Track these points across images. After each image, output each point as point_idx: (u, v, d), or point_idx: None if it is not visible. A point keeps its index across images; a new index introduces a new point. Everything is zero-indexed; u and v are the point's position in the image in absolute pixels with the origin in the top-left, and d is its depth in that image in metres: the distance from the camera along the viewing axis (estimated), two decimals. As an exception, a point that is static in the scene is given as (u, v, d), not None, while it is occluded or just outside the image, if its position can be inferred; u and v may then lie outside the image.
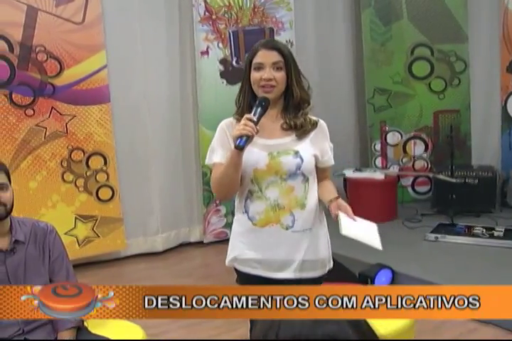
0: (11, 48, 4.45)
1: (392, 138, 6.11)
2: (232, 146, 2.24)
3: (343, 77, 6.16)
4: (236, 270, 2.47)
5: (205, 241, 5.42)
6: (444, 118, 6.04)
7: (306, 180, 2.37)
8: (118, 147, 4.98)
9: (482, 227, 4.97)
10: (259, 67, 2.34)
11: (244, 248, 2.41)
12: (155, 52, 5.12)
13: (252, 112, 2.28)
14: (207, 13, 5.20)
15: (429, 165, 6.08)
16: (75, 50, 4.67)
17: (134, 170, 5.15)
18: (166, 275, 4.91)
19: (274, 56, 2.34)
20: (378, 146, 6.13)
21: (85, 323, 2.67)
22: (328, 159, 2.46)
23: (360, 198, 5.60)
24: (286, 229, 2.36)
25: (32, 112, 4.58)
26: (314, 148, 2.39)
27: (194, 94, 5.31)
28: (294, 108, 2.39)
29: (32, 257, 2.58)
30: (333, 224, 2.32)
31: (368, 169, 5.82)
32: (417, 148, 6.11)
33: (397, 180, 5.83)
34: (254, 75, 2.34)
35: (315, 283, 2.40)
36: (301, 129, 2.37)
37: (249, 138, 2.21)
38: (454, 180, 5.34)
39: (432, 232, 4.95)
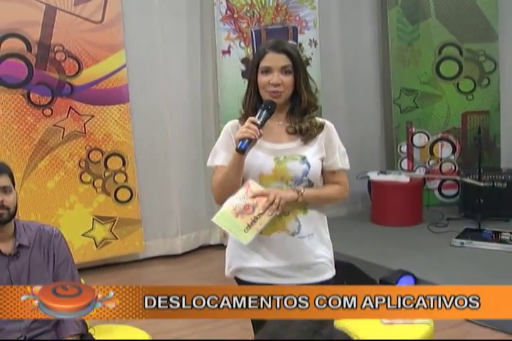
0: (29, 47, 4.42)
1: (419, 139, 5.96)
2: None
3: (368, 77, 6.01)
4: (239, 280, 2.38)
5: (225, 244, 5.30)
6: (473, 120, 5.87)
7: (311, 186, 2.29)
8: (137, 147, 4.92)
9: (510, 233, 4.78)
10: (267, 71, 2.25)
11: (249, 257, 2.32)
12: (175, 52, 5.05)
13: (257, 115, 2.20)
14: (228, 12, 5.11)
15: (457, 168, 5.91)
16: (94, 49, 4.62)
17: (153, 171, 5.09)
18: (185, 278, 4.83)
19: (282, 60, 2.25)
20: (404, 148, 5.98)
21: (91, 330, 2.61)
22: (334, 162, 2.33)
23: (385, 202, 5.49)
24: (293, 235, 2.28)
25: (50, 112, 4.54)
26: (321, 152, 2.30)
27: (215, 93, 5.22)
28: (300, 112, 2.30)
29: (36, 262, 2.52)
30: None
31: (393, 172, 5.67)
32: (445, 150, 5.94)
33: (423, 183, 5.68)
34: (262, 79, 2.26)
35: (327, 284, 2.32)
36: (307, 134, 2.28)
37: (251, 142, 2.14)
38: (481, 184, 5.17)
39: (457, 238, 4.79)
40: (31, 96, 4.47)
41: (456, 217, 5.46)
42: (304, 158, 2.25)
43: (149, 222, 5.09)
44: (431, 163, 5.97)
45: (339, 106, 5.84)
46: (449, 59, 5.83)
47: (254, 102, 2.29)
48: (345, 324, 2.43)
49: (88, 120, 4.67)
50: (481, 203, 5.17)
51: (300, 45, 5.40)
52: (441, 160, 5.96)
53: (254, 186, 2.21)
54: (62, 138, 4.61)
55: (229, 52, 5.14)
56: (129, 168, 4.86)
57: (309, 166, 2.25)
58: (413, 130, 5.96)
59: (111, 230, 4.85)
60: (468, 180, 5.33)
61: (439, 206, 5.81)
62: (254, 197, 2.19)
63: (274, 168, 2.25)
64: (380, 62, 6.09)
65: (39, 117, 4.52)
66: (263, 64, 2.25)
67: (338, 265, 3.74)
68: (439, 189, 5.99)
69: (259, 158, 2.25)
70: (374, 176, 5.55)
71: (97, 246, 4.81)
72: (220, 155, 2.30)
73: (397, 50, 5.86)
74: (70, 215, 4.69)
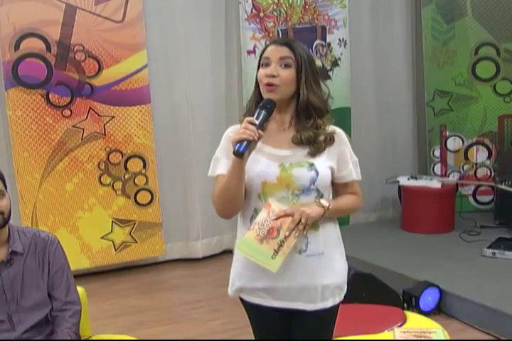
0: (49, 47, 4.36)
1: (453, 143, 5.75)
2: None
3: (401, 78, 5.81)
4: (243, 300, 2.20)
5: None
6: (510, 123, 5.60)
7: (320, 196, 2.08)
8: (158, 149, 4.83)
9: (547, 244, 4.55)
10: (267, 64, 2.06)
11: (251, 276, 2.12)
12: (199, 51, 4.94)
13: (255, 115, 2.00)
14: (254, 11, 4.98)
15: (493, 174, 5.66)
16: (115, 49, 4.54)
17: (174, 174, 4.99)
18: (204, 283, 4.72)
19: (282, 51, 2.05)
20: (438, 152, 5.78)
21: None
22: (348, 174, 2.14)
23: (415, 208, 5.28)
24: (299, 252, 2.06)
25: (69, 113, 4.48)
26: (331, 161, 2.10)
27: (240, 95, 5.10)
28: (304, 116, 2.08)
29: (30, 270, 2.41)
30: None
31: (424, 177, 5.45)
32: (480, 155, 5.73)
33: (456, 189, 5.44)
34: (260, 72, 2.07)
35: (331, 311, 2.15)
36: (314, 146, 2.07)
37: (250, 144, 1.94)
38: (516, 191, 4.94)
39: (489, 247, 4.55)
40: (50, 96, 4.41)
41: (490, 225, 5.23)
42: (311, 165, 2.06)
43: (170, 225, 4.99)
44: (465, 167, 5.76)
45: (369, 109, 5.66)
46: (485, 59, 5.63)
47: (255, 102, 2.10)
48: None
49: (108, 121, 4.59)
50: (517, 211, 4.94)
51: (329, 44, 5.25)
52: (476, 165, 5.75)
53: (275, 206, 2.01)
54: (82, 139, 4.54)
55: (254, 52, 5.00)
56: (150, 170, 4.77)
57: (318, 174, 2.05)
58: (447, 133, 5.76)
59: (130, 233, 4.76)
60: (502, 186, 5.09)
61: (473, 213, 5.58)
62: (277, 218, 1.99)
63: (279, 176, 2.05)
64: (413, 62, 5.89)
65: (58, 118, 4.46)
66: (263, 56, 2.08)
67: (358, 276, 3.61)
68: (474, 195, 5.77)
69: (261, 164, 2.06)
70: (404, 181, 5.34)
71: (116, 250, 4.73)
72: (222, 164, 2.11)
73: (431, 50, 5.67)
74: (89, 218, 4.62)
